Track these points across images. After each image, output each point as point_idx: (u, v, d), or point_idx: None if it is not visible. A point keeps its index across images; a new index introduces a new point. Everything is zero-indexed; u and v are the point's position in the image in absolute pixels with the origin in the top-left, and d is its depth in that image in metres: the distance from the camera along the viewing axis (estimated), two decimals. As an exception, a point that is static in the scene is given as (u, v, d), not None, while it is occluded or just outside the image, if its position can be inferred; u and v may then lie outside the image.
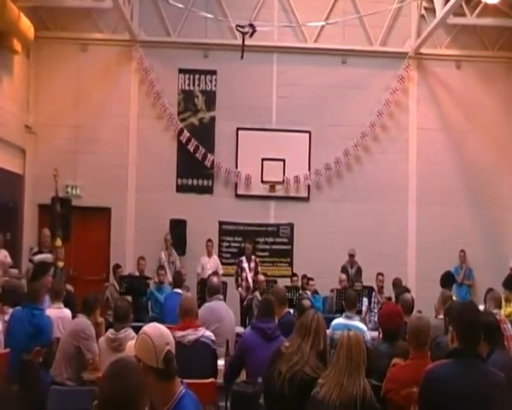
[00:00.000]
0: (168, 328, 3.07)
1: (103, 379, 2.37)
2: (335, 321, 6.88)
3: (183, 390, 2.90)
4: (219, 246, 13.15)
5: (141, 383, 2.36)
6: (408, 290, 7.91)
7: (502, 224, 13.32)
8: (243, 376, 5.26)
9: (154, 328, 2.97)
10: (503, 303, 8.03)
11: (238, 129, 13.28)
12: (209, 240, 12.39)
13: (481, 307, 7.18)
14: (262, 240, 13.25)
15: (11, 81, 12.14)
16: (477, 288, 12.91)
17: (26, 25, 11.64)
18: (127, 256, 12.79)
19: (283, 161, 13.19)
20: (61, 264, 9.96)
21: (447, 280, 8.56)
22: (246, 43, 11.53)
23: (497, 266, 12.70)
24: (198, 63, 13.41)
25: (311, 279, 11.62)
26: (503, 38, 13.50)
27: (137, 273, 11.21)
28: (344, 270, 12.04)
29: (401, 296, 6.64)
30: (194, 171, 13.25)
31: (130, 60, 13.34)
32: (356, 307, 7.38)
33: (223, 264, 12.59)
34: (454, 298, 8.61)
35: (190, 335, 5.19)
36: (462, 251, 13.06)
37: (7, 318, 6.59)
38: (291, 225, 13.35)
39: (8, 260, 10.03)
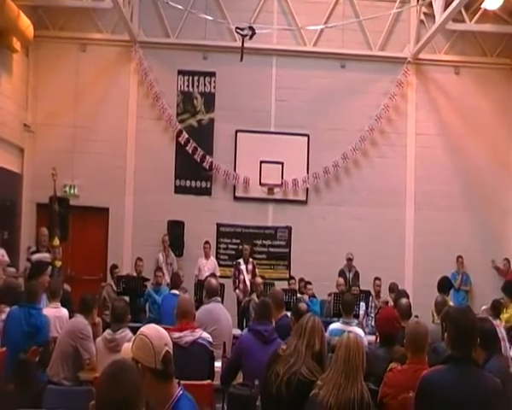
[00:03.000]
0: (165, 329, 3.07)
1: (100, 381, 2.35)
2: (333, 326, 6.85)
3: (181, 392, 2.90)
4: (217, 248, 13.13)
5: (138, 385, 2.34)
6: (406, 294, 7.90)
7: (500, 230, 13.29)
8: (240, 378, 5.26)
9: (152, 329, 2.97)
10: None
11: (237, 131, 13.26)
12: (207, 242, 12.36)
13: (484, 307, 7.23)
14: (260, 243, 13.25)
15: (10, 80, 12.13)
16: (474, 294, 12.91)
17: (26, 23, 11.64)
18: (125, 257, 12.76)
19: (282, 164, 13.17)
20: (58, 263, 9.96)
21: (444, 285, 8.55)
22: (245, 45, 11.53)
23: (495, 272, 12.76)
24: (197, 65, 13.40)
25: (309, 283, 11.58)
26: (502, 45, 13.52)
27: (135, 274, 11.20)
28: (342, 274, 12.00)
29: (398, 301, 6.64)
30: (192, 172, 13.25)
31: (130, 60, 13.32)
32: (353, 312, 7.38)
33: (220, 266, 12.57)
34: (451, 303, 8.64)
35: (188, 336, 5.19)
36: (460, 257, 13.01)
37: (4, 317, 6.58)
38: (289, 228, 13.34)
39: (6, 258, 9.98)
